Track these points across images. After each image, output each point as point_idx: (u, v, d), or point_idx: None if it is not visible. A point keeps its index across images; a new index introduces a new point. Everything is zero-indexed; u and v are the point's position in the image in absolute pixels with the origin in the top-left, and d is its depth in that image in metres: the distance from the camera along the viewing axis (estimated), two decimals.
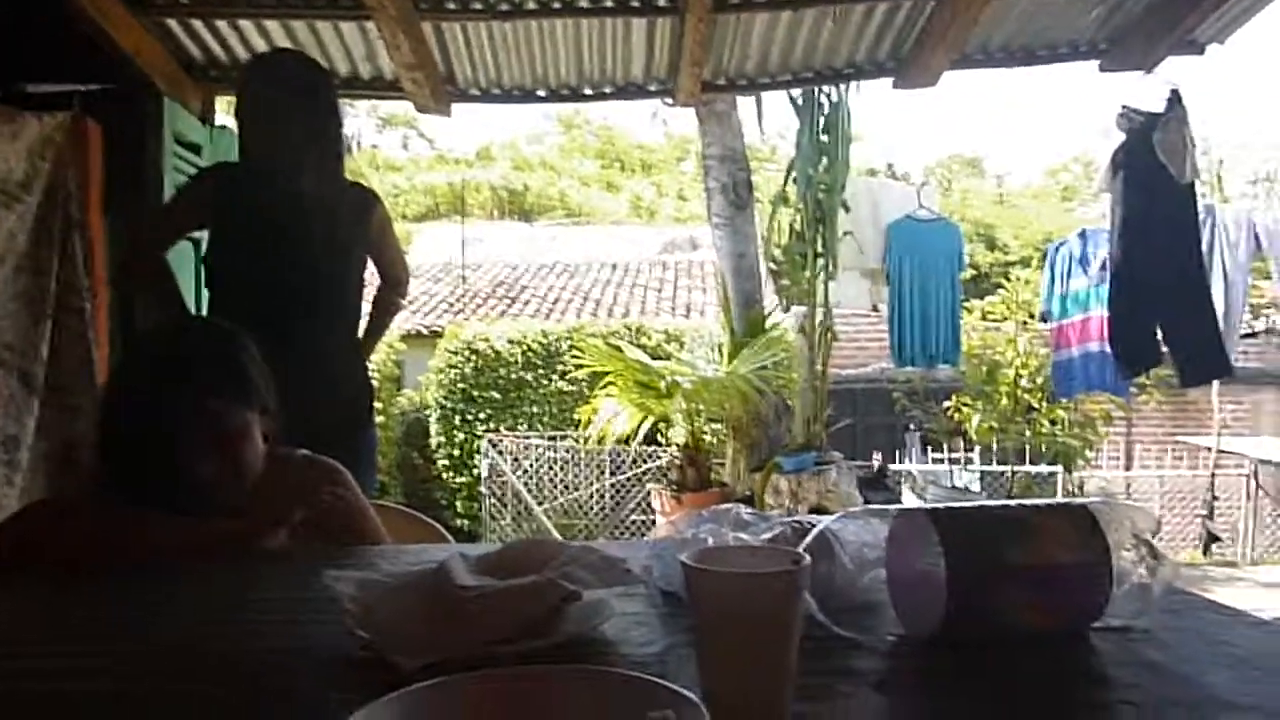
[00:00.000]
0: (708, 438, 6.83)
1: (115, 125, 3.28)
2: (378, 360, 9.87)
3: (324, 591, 1.02)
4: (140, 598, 1.21)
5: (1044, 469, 9.03)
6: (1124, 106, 4.46)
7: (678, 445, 6.68)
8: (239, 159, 2.57)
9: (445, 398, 9.61)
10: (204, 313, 2.66)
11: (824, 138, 5.72)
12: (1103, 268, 5.42)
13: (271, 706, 0.80)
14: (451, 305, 13.28)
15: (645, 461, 8.28)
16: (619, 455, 8.32)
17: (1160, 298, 4.54)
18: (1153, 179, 4.35)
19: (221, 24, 3.46)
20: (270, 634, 1.03)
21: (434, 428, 9.71)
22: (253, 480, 1.50)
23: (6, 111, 2.96)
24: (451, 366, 9.62)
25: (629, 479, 8.49)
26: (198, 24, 3.46)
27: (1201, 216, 4.90)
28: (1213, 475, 10.33)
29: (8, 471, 2.89)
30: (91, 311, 3.13)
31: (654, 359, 7.02)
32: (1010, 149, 50.25)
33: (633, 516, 8.39)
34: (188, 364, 1.47)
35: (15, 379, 2.95)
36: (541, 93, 3.96)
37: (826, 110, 5.71)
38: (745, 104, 6.28)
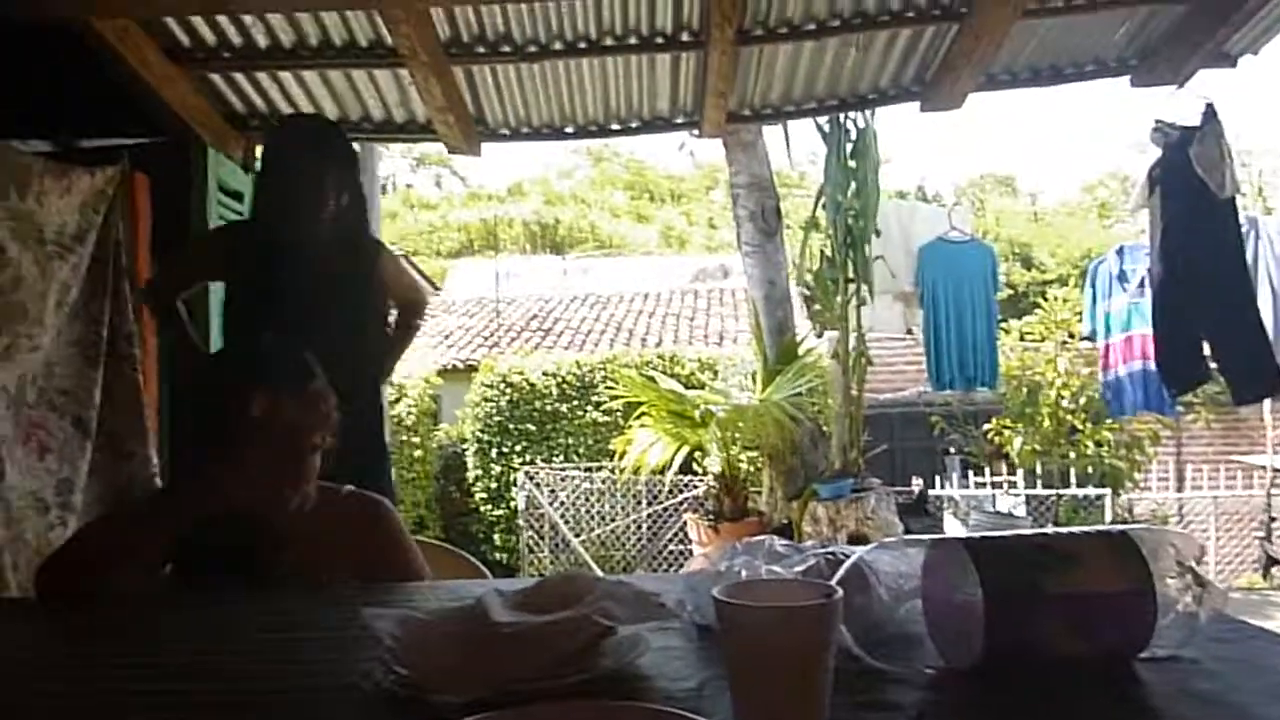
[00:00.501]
0: (744, 466, 6.80)
1: (162, 176, 3.42)
2: (415, 395, 9.96)
3: (364, 629, 1.03)
4: (183, 631, 1.23)
5: (1091, 492, 8.87)
6: (1158, 121, 4.41)
7: (713, 474, 6.65)
8: (252, 217, 2.75)
9: (482, 431, 9.66)
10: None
11: (852, 163, 5.72)
12: (1141, 285, 5.35)
13: None
14: (486, 339, 13.37)
15: (681, 491, 8.24)
16: (655, 485, 8.30)
17: (1205, 314, 4.46)
18: (1191, 194, 4.28)
19: (262, 75, 3.55)
20: (311, 670, 1.04)
21: (471, 461, 9.75)
22: (308, 501, 1.55)
23: (59, 167, 3.06)
24: (487, 400, 9.68)
25: (666, 509, 8.46)
26: (239, 76, 3.55)
27: (1245, 229, 4.82)
28: (1269, 495, 10.06)
29: (62, 513, 2.95)
30: (141, 357, 3.23)
31: (688, 388, 7.02)
32: (1043, 166, 49.94)
33: (670, 547, 8.35)
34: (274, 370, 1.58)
35: (69, 423, 3.04)
36: (570, 129, 4.01)
37: (854, 135, 5.71)
38: (772, 131, 6.28)
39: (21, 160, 2.95)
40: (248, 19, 3.21)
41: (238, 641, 1.19)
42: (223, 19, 3.21)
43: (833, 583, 0.81)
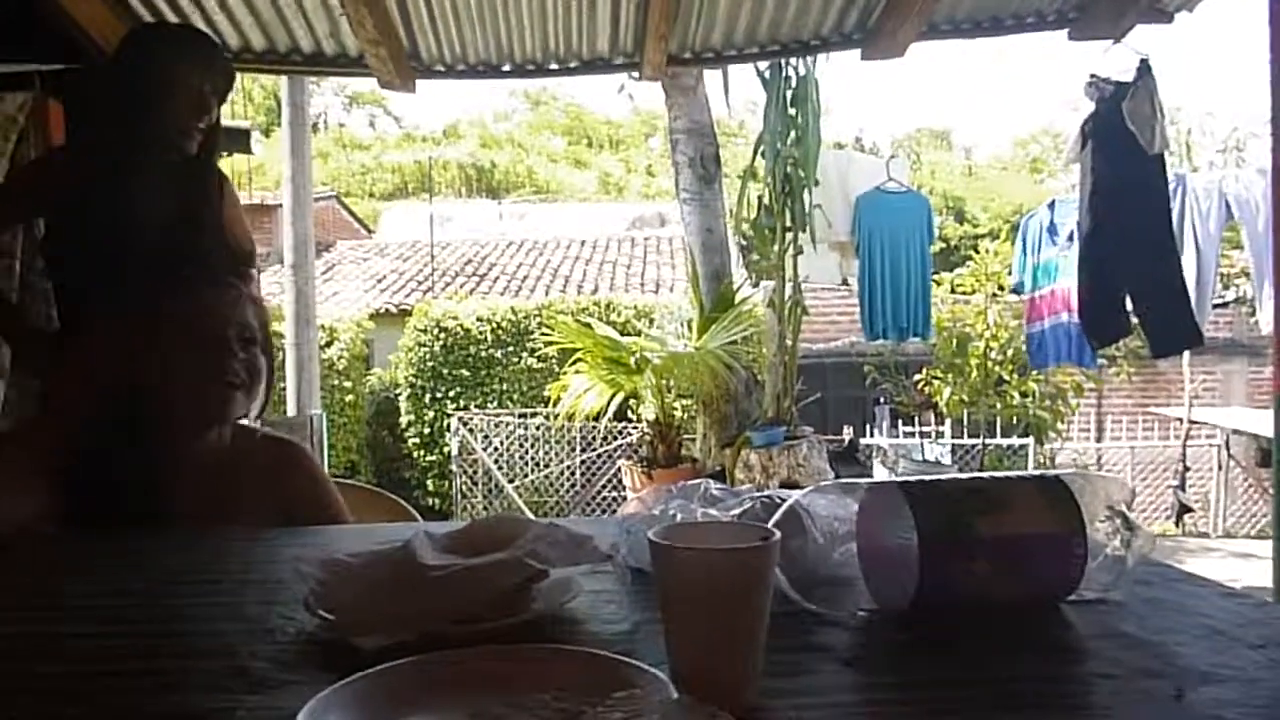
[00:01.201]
0: (678, 413, 6.83)
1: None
2: (347, 340, 9.80)
3: (288, 570, 1.00)
4: (91, 575, 1.18)
5: (1015, 441, 9.12)
6: (1092, 76, 4.46)
7: (648, 421, 6.68)
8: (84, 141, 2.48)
9: (415, 376, 9.55)
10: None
11: (792, 111, 5.69)
12: (1070, 238, 5.44)
13: (232, 687, 0.78)
14: (420, 284, 13.19)
15: (616, 438, 8.27)
16: (589, 432, 8.32)
17: (1129, 268, 4.55)
18: (1122, 149, 4.35)
19: (183, 0, 3.38)
20: (233, 613, 1.01)
21: (404, 406, 9.66)
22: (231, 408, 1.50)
23: None
24: (421, 345, 9.57)
25: (600, 455, 8.49)
26: (159, 1, 3.37)
27: (1172, 186, 4.91)
28: (1184, 446, 10.45)
29: None
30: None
31: (623, 335, 7.01)
32: (979, 121, 50.52)
33: (604, 493, 8.39)
34: None
35: None
36: (506, 67, 3.91)
37: (794, 83, 5.68)
38: (712, 78, 6.25)
39: None
40: None
41: (150, 585, 1.15)
42: None
43: (769, 526, 0.80)
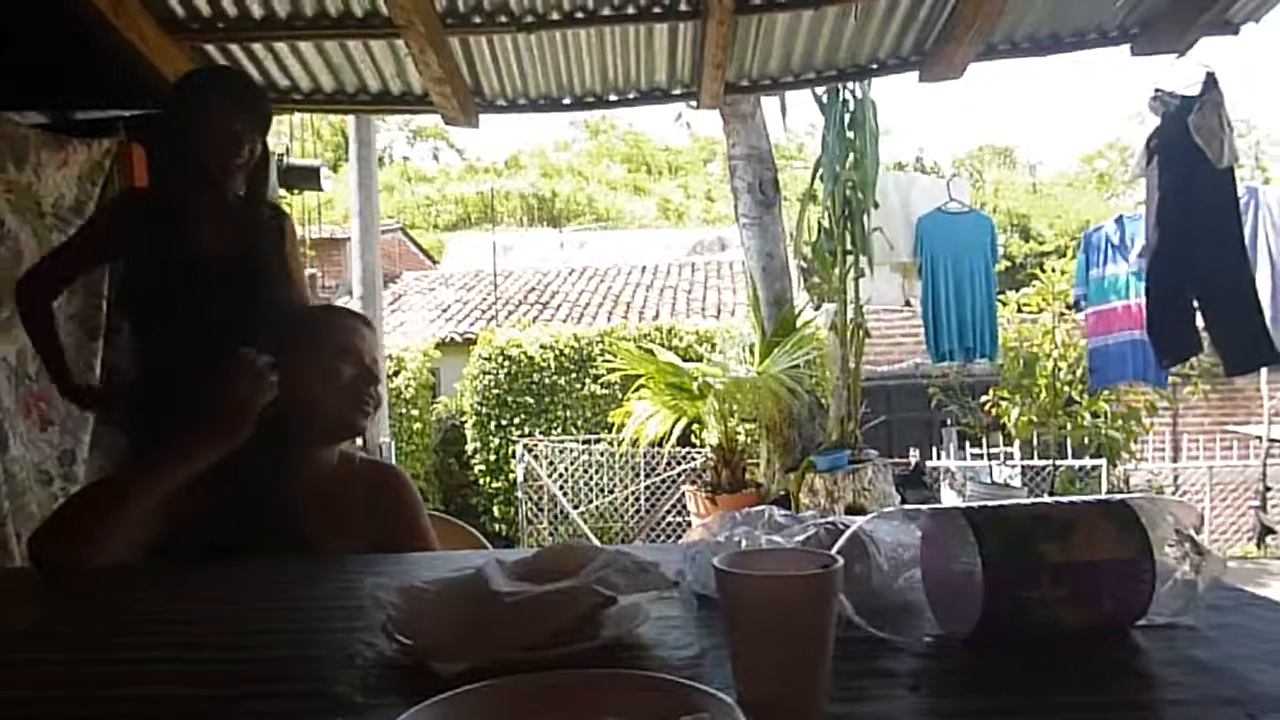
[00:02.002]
0: (741, 438, 6.82)
1: None
2: (413, 369, 9.97)
3: (367, 598, 1.03)
4: (185, 599, 1.24)
5: (1087, 463, 8.90)
6: (1157, 90, 4.39)
7: (711, 446, 6.67)
8: (153, 184, 2.53)
9: (480, 404, 9.67)
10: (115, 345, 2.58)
11: (850, 134, 5.68)
12: (1141, 254, 5.34)
13: (316, 711, 0.82)
14: (484, 313, 13.36)
15: (679, 463, 8.27)
16: (653, 457, 8.33)
17: (1200, 284, 4.45)
18: (1189, 163, 4.27)
19: (256, 47, 3.52)
20: (314, 638, 1.05)
21: (470, 433, 9.77)
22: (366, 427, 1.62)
23: (56, 140, 3.05)
24: (485, 373, 9.69)
25: (664, 481, 8.49)
26: (234, 47, 3.52)
27: (1244, 199, 4.80)
28: (1264, 465, 10.09)
29: (65, 485, 2.97)
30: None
31: (685, 360, 7.03)
32: (1043, 137, 49.68)
33: (668, 518, 8.38)
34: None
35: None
36: (567, 100, 3.99)
37: (852, 106, 5.68)
38: (770, 103, 6.26)
39: (18, 132, 2.94)
40: None
41: (241, 609, 1.20)
42: None
43: (833, 552, 0.81)
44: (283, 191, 5.19)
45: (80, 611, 1.24)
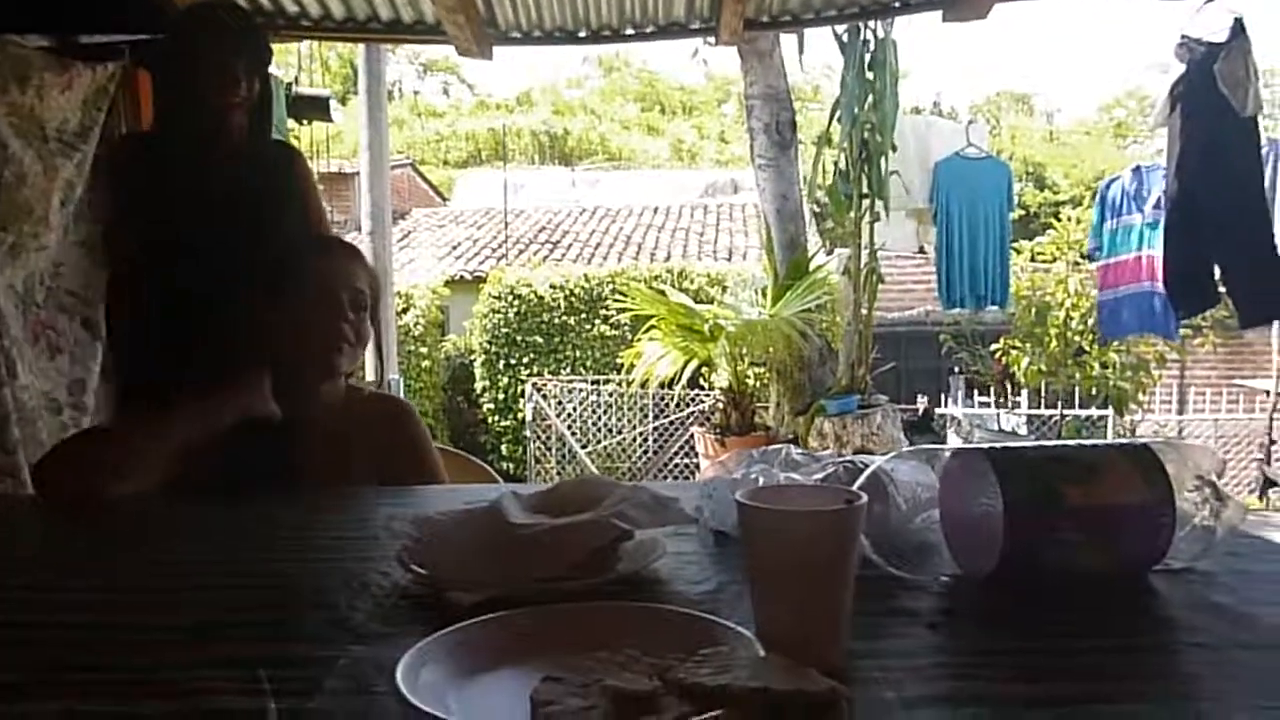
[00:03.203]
0: (751, 381, 6.82)
1: None
2: (422, 306, 9.97)
3: (382, 528, 1.04)
4: (199, 529, 1.25)
5: (1094, 412, 8.90)
6: (1183, 36, 4.29)
7: (721, 389, 6.68)
8: (155, 115, 2.45)
9: (489, 342, 9.68)
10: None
11: (870, 75, 5.59)
12: (1157, 205, 5.27)
13: (334, 638, 0.82)
14: (494, 251, 13.30)
15: (688, 405, 8.28)
16: (662, 399, 8.34)
17: (1219, 236, 4.40)
18: (1213, 112, 4.19)
19: None
20: (329, 568, 1.05)
21: (478, 372, 9.79)
22: (356, 359, 1.60)
23: (60, 62, 2.99)
24: (495, 312, 9.68)
25: (672, 422, 8.51)
26: None
27: (1265, 150, 4.72)
28: (1271, 419, 10.07)
29: (75, 414, 2.97)
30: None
31: (697, 302, 7.00)
32: (1061, 85, 48.85)
33: (676, 460, 8.42)
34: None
35: (79, 324, 3.03)
36: (583, 33, 3.91)
37: (872, 46, 5.58)
38: (788, 42, 6.15)
39: (20, 54, 2.88)
40: None
41: (256, 540, 1.21)
42: None
43: (854, 489, 0.80)
44: (291, 122, 5.13)
45: (93, 541, 1.25)
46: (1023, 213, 14.65)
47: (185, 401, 1.46)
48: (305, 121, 5.57)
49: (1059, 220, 8.76)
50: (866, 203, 5.76)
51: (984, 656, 0.78)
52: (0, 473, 2.68)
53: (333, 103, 5.60)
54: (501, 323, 9.64)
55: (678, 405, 8.31)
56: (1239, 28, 4.10)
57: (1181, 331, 6.83)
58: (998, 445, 0.97)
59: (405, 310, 9.77)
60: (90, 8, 3.21)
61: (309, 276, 1.55)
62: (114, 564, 1.11)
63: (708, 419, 7.38)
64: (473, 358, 9.95)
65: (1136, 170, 5.80)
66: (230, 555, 1.14)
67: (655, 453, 8.60)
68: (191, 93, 2.26)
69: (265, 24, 3.66)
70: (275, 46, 2.69)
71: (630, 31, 3.92)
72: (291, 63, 6.53)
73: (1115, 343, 7.77)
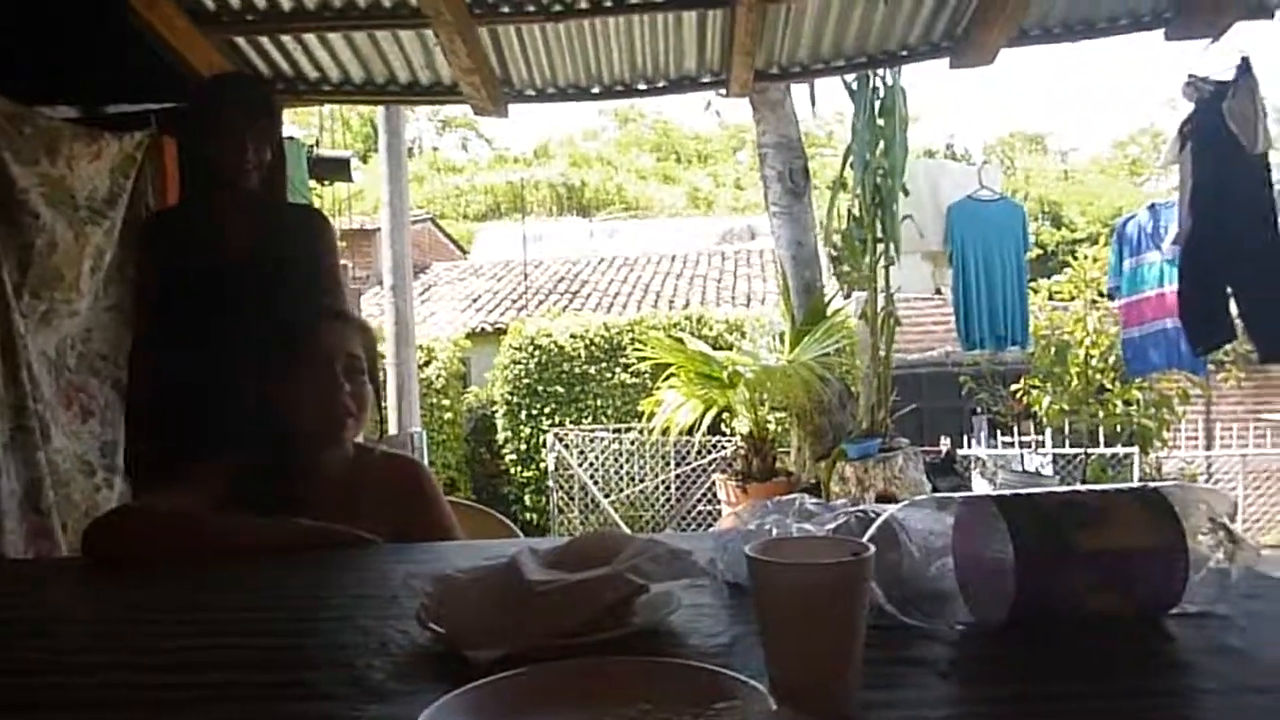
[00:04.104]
0: (772, 427, 6.81)
1: None
2: (444, 359, 10.04)
3: (401, 586, 1.05)
4: (219, 590, 1.27)
5: (1119, 451, 8.81)
6: (1191, 75, 4.33)
7: (742, 435, 6.67)
8: (183, 197, 2.52)
9: (511, 393, 9.72)
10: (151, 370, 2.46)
11: (880, 121, 5.65)
12: (1175, 241, 5.27)
13: (352, 696, 0.83)
14: (514, 302, 13.41)
15: (710, 452, 8.27)
16: (684, 446, 8.33)
17: (1233, 270, 4.39)
18: (1223, 149, 4.21)
19: (286, 39, 3.54)
20: (350, 626, 1.06)
21: (500, 423, 9.83)
22: (358, 427, 1.62)
23: (88, 133, 3.09)
24: (516, 363, 9.73)
25: (694, 470, 8.50)
26: (264, 39, 3.54)
27: (1277, 186, 4.73)
28: None
29: (108, 475, 3.02)
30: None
31: (715, 349, 7.02)
32: (1074, 124, 48.95)
33: (699, 507, 8.40)
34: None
35: (109, 387, 3.09)
36: (596, 90, 3.98)
37: (882, 93, 5.64)
38: (799, 91, 6.23)
39: (51, 126, 2.98)
40: None
41: (277, 599, 1.22)
42: None
43: (864, 540, 0.82)
44: (313, 183, 5.23)
45: (123, 602, 1.27)
46: (1040, 251, 14.64)
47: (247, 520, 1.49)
48: (327, 182, 5.68)
49: (1075, 258, 8.75)
50: (881, 247, 5.78)
51: (995, 705, 0.79)
52: (36, 534, 2.72)
53: (353, 162, 5.71)
54: (522, 373, 9.69)
55: (699, 452, 8.30)
56: (1246, 66, 4.13)
57: (1207, 367, 6.78)
58: (1009, 491, 0.98)
59: (427, 363, 9.84)
60: (117, 79, 3.31)
61: (302, 352, 1.59)
62: (137, 625, 1.13)
63: (729, 465, 7.36)
64: (494, 409, 9.99)
65: (1152, 208, 5.81)
66: (249, 614, 1.15)
67: (678, 500, 8.58)
68: (204, 160, 2.33)
69: (286, 89, 3.77)
70: (298, 109, 2.76)
71: (642, 86, 3.99)
72: (313, 122, 6.68)
73: (1138, 380, 7.72)
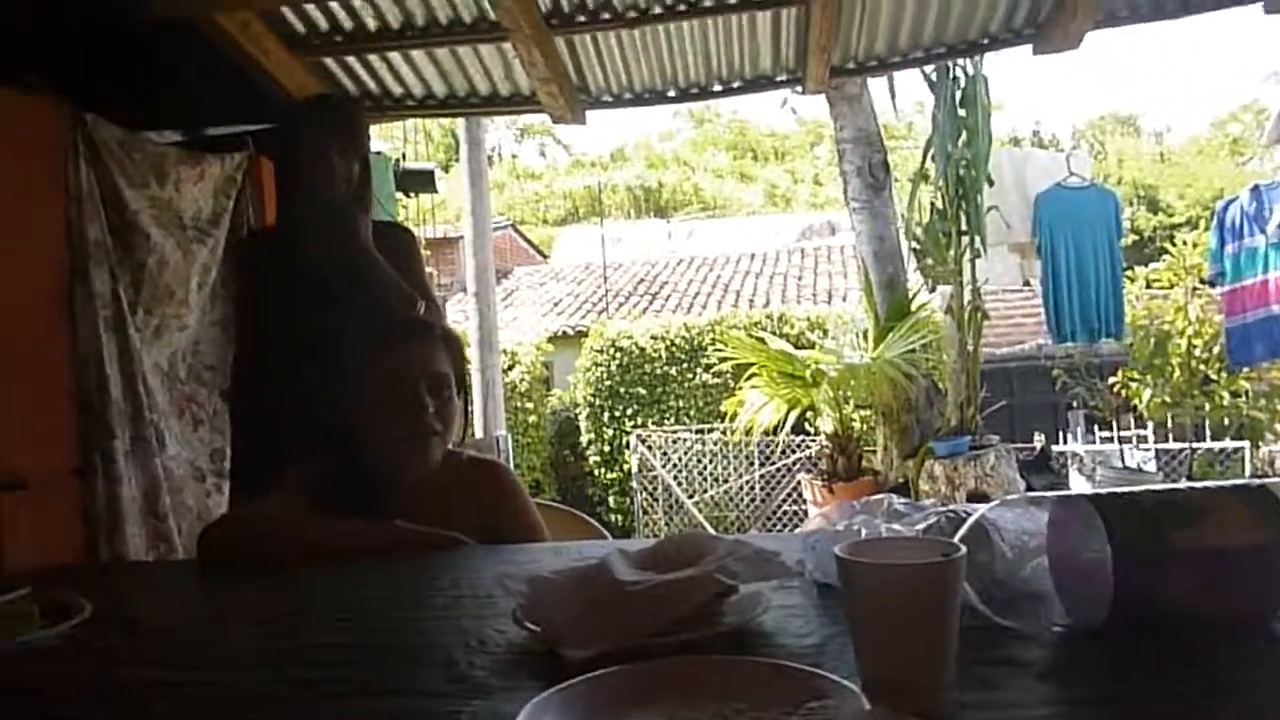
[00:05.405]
0: (857, 425, 6.73)
1: None
2: (527, 363, 10.17)
3: (497, 587, 1.08)
4: (323, 590, 1.32)
5: (1228, 445, 8.44)
6: None
7: (826, 434, 6.61)
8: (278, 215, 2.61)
9: (593, 395, 9.79)
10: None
11: (961, 111, 5.55)
12: None
13: (454, 693, 0.86)
14: (595, 305, 13.51)
15: (794, 451, 8.20)
16: (767, 446, 8.28)
17: None
18: None
19: (372, 57, 3.65)
20: (446, 626, 1.10)
21: (584, 425, 9.90)
22: (445, 443, 1.64)
23: (192, 156, 3.25)
24: (597, 365, 9.80)
25: (779, 470, 8.44)
26: (351, 59, 3.66)
27: None
28: None
29: (217, 480, 3.17)
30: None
31: (797, 348, 6.98)
32: (1169, 103, 47.11)
33: (784, 507, 8.33)
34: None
35: (217, 396, 3.24)
36: (672, 93, 4.00)
37: (963, 83, 5.54)
38: (877, 83, 6.16)
39: (158, 150, 3.14)
40: (358, 2, 3.30)
41: (378, 599, 1.27)
42: (335, 5, 3.31)
43: (955, 540, 0.81)
44: (400, 195, 5.36)
45: (236, 600, 1.33)
46: (1135, 238, 14.17)
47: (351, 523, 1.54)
48: (413, 194, 5.82)
49: (1174, 244, 8.42)
50: (965, 239, 5.68)
51: (1094, 708, 0.77)
52: (156, 538, 2.86)
53: (437, 173, 5.83)
54: (604, 375, 9.75)
55: (783, 452, 8.24)
56: None
57: None
58: (1105, 490, 0.96)
59: (511, 368, 9.97)
60: (218, 103, 3.46)
61: (381, 373, 1.60)
62: (245, 624, 1.19)
63: (814, 465, 7.30)
64: (577, 411, 10.08)
65: (1255, 189, 5.58)
66: (352, 614, 1.20)
67: (762, 501, 8.53)
68: (295, 181, 2.42)
69: (373, 106, 3.88)
70: (383, 124, 2.84)
71: (718, 87, 3.99)
72: (398, 136, 6.84)
73: (1245, 370, 7.41)
